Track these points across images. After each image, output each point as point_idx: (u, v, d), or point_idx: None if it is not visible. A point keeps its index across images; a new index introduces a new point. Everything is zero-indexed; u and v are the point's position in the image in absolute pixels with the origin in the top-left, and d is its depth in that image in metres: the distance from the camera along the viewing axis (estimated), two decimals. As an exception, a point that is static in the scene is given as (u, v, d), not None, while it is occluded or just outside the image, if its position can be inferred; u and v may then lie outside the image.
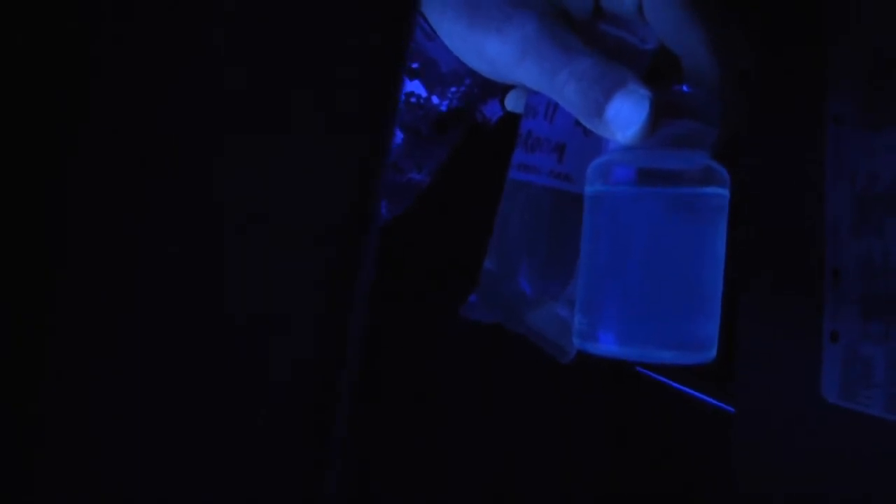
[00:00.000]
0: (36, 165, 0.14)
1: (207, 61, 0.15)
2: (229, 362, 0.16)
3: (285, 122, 0.16)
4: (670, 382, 0.53)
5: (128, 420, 0.15)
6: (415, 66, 0.32)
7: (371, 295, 0.18)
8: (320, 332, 0.17)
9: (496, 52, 0.27)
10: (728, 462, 0.42)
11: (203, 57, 0.15)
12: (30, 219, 0.14)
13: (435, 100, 0.33)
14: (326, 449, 0.17)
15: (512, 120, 0.32)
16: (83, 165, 0.14)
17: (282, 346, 0.17)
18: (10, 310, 0.14)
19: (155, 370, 0.15)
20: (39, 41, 0.14)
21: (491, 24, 0.27)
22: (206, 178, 0.16)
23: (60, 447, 0.15)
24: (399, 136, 0.35)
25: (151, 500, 0.16)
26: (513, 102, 0.33)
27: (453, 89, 0.33)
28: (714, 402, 0.50)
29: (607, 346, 0.25)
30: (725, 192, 0.26)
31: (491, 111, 0.36)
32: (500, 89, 0.34)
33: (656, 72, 0.29)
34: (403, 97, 0.33)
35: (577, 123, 0.28)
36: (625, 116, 0.25)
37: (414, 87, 0.33)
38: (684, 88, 0.27)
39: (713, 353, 0.26)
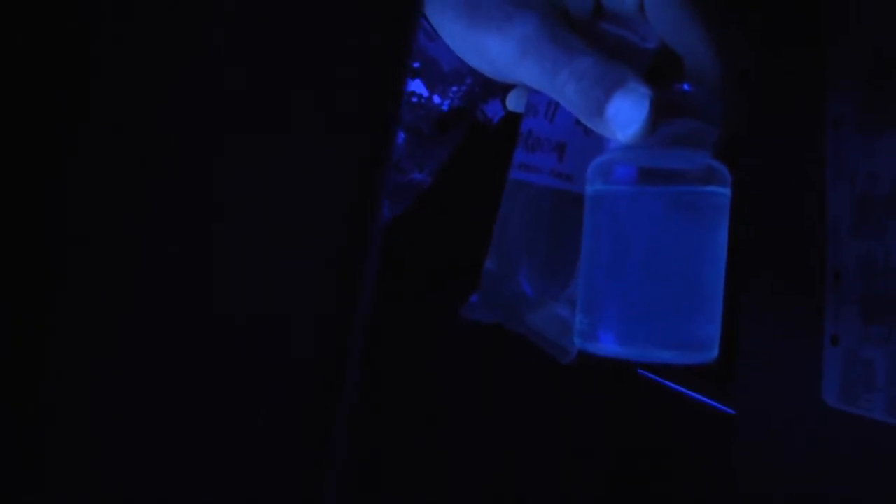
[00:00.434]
0: (36, 165, 0.14)
1: (207, 61, 0.15)
2: (229, 362, 0.16)
3: (285, 122, 0.16)
4: (670, 384, 0.53)
5: (128, 420, 0.15)
6: (416, 65, 0.32)
7: (371, 295, 0.18)
8: (320, 332, 0.17)
9: (497, 51, 0.27)
10: (728, 463, 0.42)
11: (203, 57, 0.15)
12: (30, 219, 0.14)
13: (436, 99, 0.33)
14: (326, 449, 0.17)
15: (513, 119, 0.32)
16: (83, 165, 0.14)
17: (282, 346, 0.17)
18: (10, 310, 0.14)
19: (155, 370, 0.15)
20: (39, 41, 0.14)
21: (491, 23, 0.27)
22: (206, 178, 0.16)
23: (60, 447, 0.15)
24: (400, 135, 0.35)
25: (151, 500, 0.16)
26: (514, 102, 0.33)
27: (454, 89, 0.33)
28: (714, 403, 0.50)
29: (608, 345, 0.25)
30: (726, 191, 0.26)
31: (492, 111, 0.36)
32: (501, 89, 0.34)
33: (657, 71, 0.29)
34: (404, 97, 0.33)
35: (578, 123, 0.28)
36: (625, 115, 0.25)
37: (415, 86, 0.33)
38: (685, 87, 0.27)
39: (714, 352, 0.26)
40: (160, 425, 0.16)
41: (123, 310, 0.15)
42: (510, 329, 0.30)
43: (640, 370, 0.54)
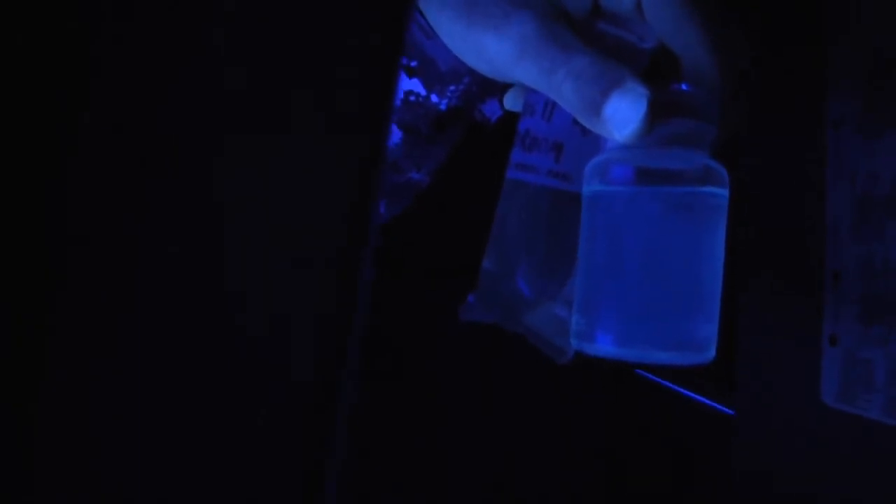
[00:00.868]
0: (36, 165, 0.14)
1: (207, 61, 0.15)
2: (229, 362, 0.16)
3: (285, 122, 0.17)
4: (670, 384, 0.53)
5: (128, 420, 0.15)
6: (414, 64, 0.32)
7: (371, 295, 0.18)
8: (320, 332, 0.17)
9: (494, 50, 0.27)
10: (728, 463, 0.42)
11: (203, 57, 0.15)
12: (30, 219, 0.14)
13: (434, 98, 0.33)
14: (326, 449, 0.17)
15: (511, 119, 0.32)
16: (83, 165, 0.14)
17: (282, 346, 0.17)
18: (10, 310, 0.14)
19: (155, 370, 0.15)
20: (39, 41, 0.14)
21: (489, 22, 0.27)
22: (206, 178, 0.16)
23: (60, 447, 0.15)
24: (398, 135, 0.35)
25: (151, 501, 0.16)
26: (512, 101, 0.33)
27: (452, 88, 0.33)
28: (714, 404, 0.50)
29: (605, 346, 0.25)
30: (724, 191, 0.26)
31: (490, 110, 0.36)
32: (499, 88, 0.34)
33: (655, 71, 0.29)
34: (402, 96, 0.33)
35: (575, 122, 0.28)
36: (622, 115, 0.25)
37: (413, 85, 0.33)
38: (683, 87, 0.27)
39: (712, 353, 0.26)
40: (160, 425, 0.16)
41: (123, 310, 0.15)
42: (508, 329, 0.30)
43: (638, 370, 0.54)
